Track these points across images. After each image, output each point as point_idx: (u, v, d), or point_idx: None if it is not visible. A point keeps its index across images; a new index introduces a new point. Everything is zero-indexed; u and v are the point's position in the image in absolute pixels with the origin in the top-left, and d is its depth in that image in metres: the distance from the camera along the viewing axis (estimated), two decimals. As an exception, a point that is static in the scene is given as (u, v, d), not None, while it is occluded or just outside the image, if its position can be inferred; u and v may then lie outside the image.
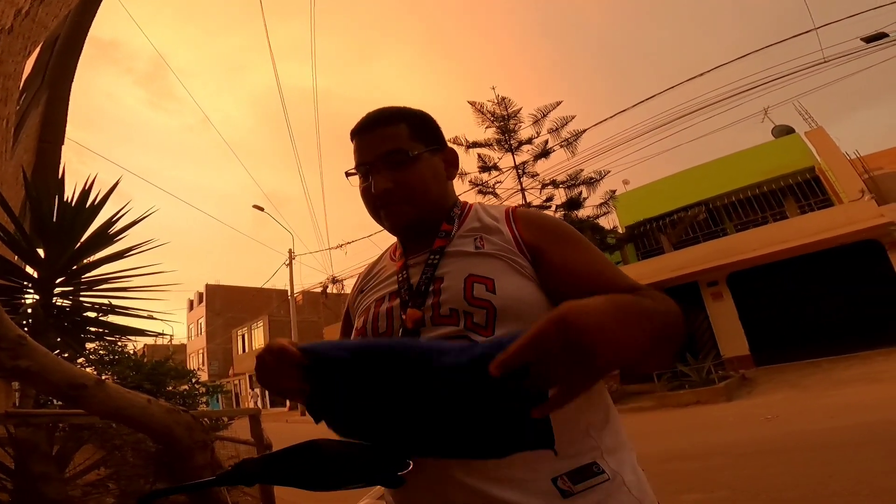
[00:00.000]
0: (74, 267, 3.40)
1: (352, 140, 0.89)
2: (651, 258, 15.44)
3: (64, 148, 5.49)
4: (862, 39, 10.95)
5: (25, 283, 3.29)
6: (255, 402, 30.12)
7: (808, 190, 14.28)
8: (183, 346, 40.92)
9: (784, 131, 16.35)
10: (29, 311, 3.15)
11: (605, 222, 14.35)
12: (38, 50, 4.10)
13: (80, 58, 5.04)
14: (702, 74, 12.09)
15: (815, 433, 4.84)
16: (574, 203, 13.99)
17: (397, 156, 0.84)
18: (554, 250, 0.78)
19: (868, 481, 3.07)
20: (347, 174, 0.91)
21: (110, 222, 3.50)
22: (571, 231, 0.82)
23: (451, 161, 0.93)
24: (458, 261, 0.81)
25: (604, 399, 0.77)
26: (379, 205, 0.86)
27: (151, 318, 3.64)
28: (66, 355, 3.37)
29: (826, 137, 14.08)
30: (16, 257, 3.44)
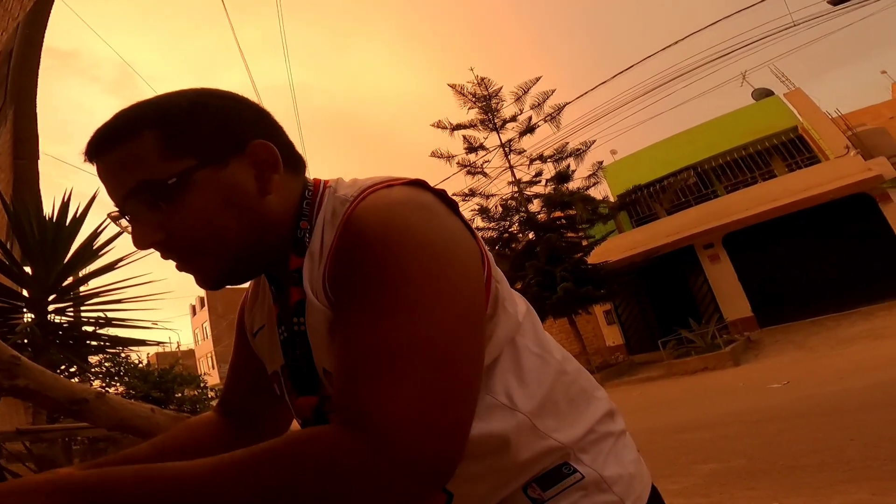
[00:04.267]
0: (65, 283, 3.35)
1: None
2: (645, 225, 15.46)
3: (41, 163, 5.36)
4: (829, 2, 11.12)
5: (18, 303, 3.24)
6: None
7: (793, 149, 14.38)
8: (191, 352, 41.11)
9: (763, 94, 16.50)
10: (27, 330, 3.10)
11: (597, 193, 14.36)
12: None
13: (41, 70, 4.89)
14: (676, 42, 12.18)
15: (828, 396, 4.84)
16: (563, 176, 13.99)
17: (147, 192, 0.52)
18: (338, 313, 0.52)
19: (884, 446, 3.07)
20: (112, 218, 0.58)
21: (95, 235, 3.43)
22: (377, 279, 0.48)
23: (263, 159, 0.57)
24: (319, 330, 0.55)
25: (563, 392, 0.61)
26: (164, 258, 0.58)
27: (152, 327, 3.59)
28: (72, 370, 3.33)
29: (805, 98, 14.25)
30: (6, 280, 3.38)
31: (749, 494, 2.92)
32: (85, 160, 0.56)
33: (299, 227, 0.59)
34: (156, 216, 0.53)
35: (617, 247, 14.46)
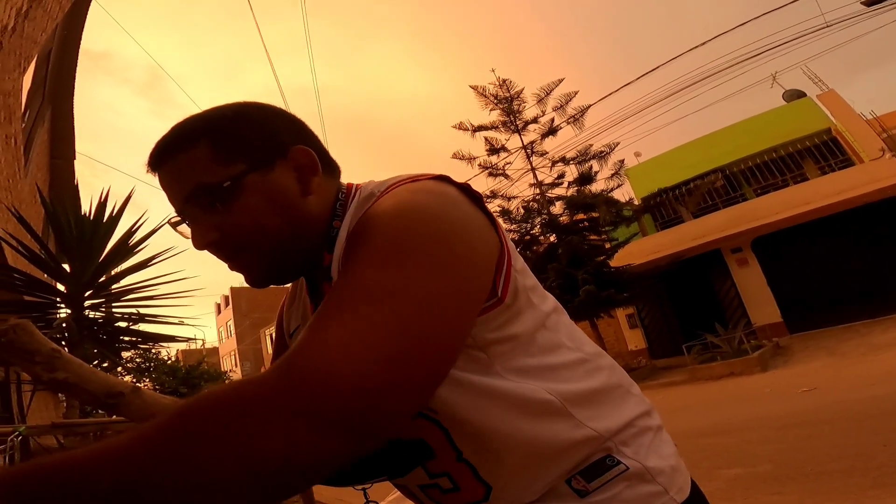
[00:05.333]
0: (101, 280, 3.46)
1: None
2: (670, 228, 15.19)
3: (76, 162, 5.57)
4: (862, 3, 10.83)
5: (56, 298, 3.36)
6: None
7: (826, 151, 13.96)
8: (215, 349, 42.09)
9: (795, 95, 16.10)
10: (63, 325, 3.21)
11: (621, 195, 14.18)
12: (32, 66, 4.14)
13: (77, 71, 5.09)
14: (703, 44, 11.87)
15: (857, 402, 4.70)
16: (586, 178, 13.86)
17: (205, 195, 0.58)
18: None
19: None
20: (172, 225, 0.64)
21: (130, 233, 3.54)
22: (373, 244, 0.49)
23: (303, 163, 0.62)
24: None
25: (600, 385, 0.62)
26: (218, 258, 0.62)
27: (182, 324, 3.68)
28: (104, 365, 3.44)
29: (839, 99, 13.85)
30: (45, 275, 3.51)
31: (774, 500, 2.86)
32: (148, 171, 0.61)
33: (332, 227, 0.63)
34: (212, 218, 0.58)
35: (641, 250, 14.24)
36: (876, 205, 11.71)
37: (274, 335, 0.82)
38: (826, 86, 15.43)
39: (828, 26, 11.31)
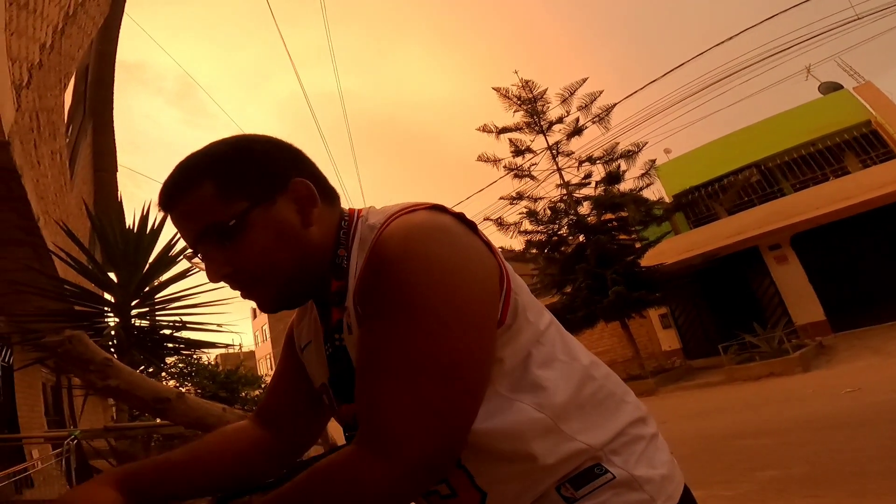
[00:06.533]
0: (145, 289, 3.63)
1: None
2: (704, 225, 14.79)
3: (118, 174, 5.81)
4: None
5: (105, 308, 3.55)
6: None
7: (867, 144, 13.33)
8: (252, 353, 43.22)
9: (832, 87, 15.49)
10: (112, 333, 3.38)
11: (651, 194, 13.89)
12: (72, 81, 4.35)
13: (114, 84, 5.29)
14: (731, 38, 11.59)
15: (902, 403, 4.51)
16: (614, 178, 13.63)
17: (213, 234, 0.62)
18: (362, 326, 0.60)
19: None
20: (187, 258, 0.71)
21: (171, 244, 3.70)
22: (393, 294, 0.55)
23: (303, 195, 0.65)
24: (354, 346, 0.64)
25: (590, 396, 0.64)
26: (232, 289, 0.68)
27: (221, 330, 3.83)
28: (150, 370, 3.61)
29: (877, 91, 13.33)
30: (93, 286, 3.72)
31: (809, 502, 2.79)
32: (159, 210, 0.66)
33: (337, 255, 0.67)
34: (222, 253, 0.62)
35: (673, 249, 13.90)
36: (923, 197, 11.15)
37: (283, 347, 0.88)
38: (862, 78, 14.89)
39: (858, 18, 10.85)
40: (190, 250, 0.67)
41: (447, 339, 0.54)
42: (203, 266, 0.65)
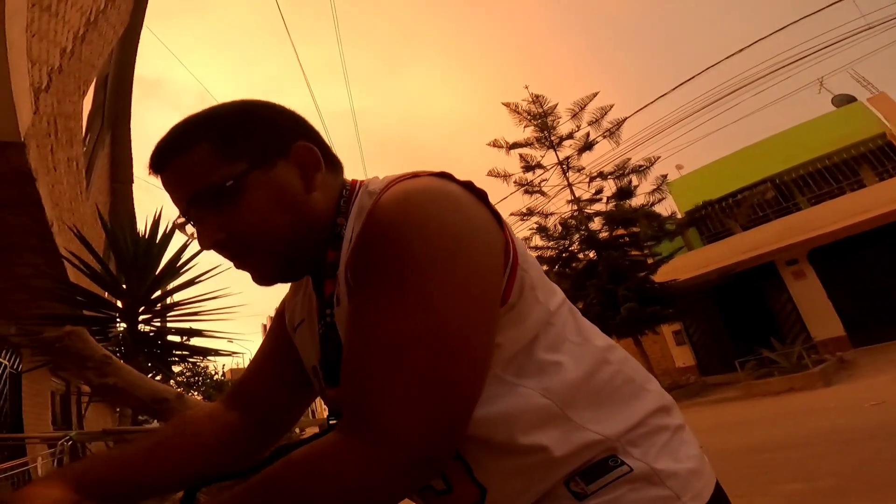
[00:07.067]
0: (154, 296, 3.65)
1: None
2: (719, 241, 14.62)
3: (134, 187, 5.91)
4: None
5: (114, 314, 3.57)
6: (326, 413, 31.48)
7: (883, 157, 13.18)
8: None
9: (845, 100, 15.27)
10: (120, 338, 3.39)
11: (663, 209, 13.79)
12: (92, 89, 4.44)
13: (133, 97, 5.40)
14: (741, 50, 11.66)
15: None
16: (625, 193, 13.58)
17: (208, 196, 0.58)
18: (352, 298, 0.55)
19: None
20: (175, 226, 0.66)
21: (180, 252, 3.73)
22: (388, 263, 0.50)
23: (306, 160, 0.62)
24: (342, 321, 0.59)
25: (606, 382, 0.58)
26: (225, 258, 0.63)
27: (228, 339, 3.83)
28: (157, 378, 3.61)
29: (892, 102, 13.18)
30: (105, 293, 3.75)
31: (839, 516, 2.67)
32: (150, 173, 0.61)
33: (336, 224, 0.63)
34: (217, 218, 0.58)
35: (686, 264, 13.75)
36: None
37: (270, 325, 0.82)
38: (876, 89, 14.67)
39: (869, 28, 10.79)
40: (180, 218, 0.62)
41: (446, 312, 0.48)
42: (193, 234, 0.61)
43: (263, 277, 0.63)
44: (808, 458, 3.83)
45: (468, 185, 0.57)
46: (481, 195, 0.57)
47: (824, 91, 16.70)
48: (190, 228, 0.62)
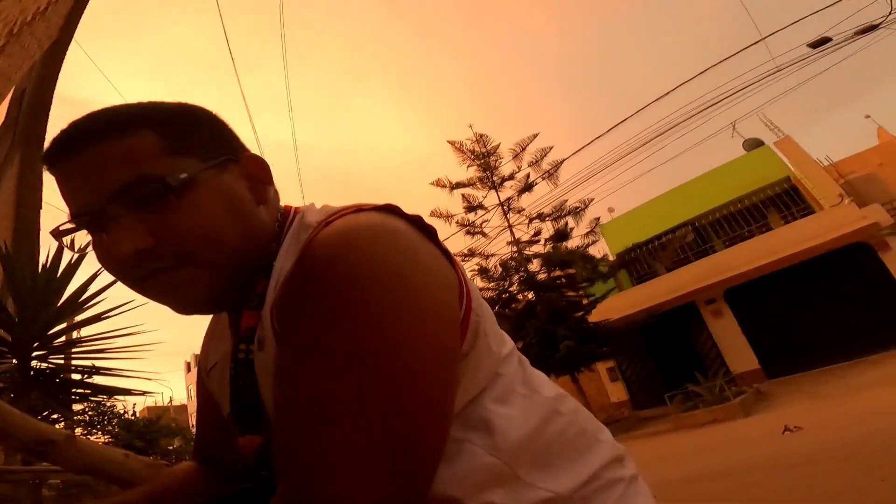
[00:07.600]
0: (52, 331, 3.32)
1: (50, 172, 0.51)
2: (645, 282, 15.44)
3: (42, 213, 5.42)
4: (808, 45, 11.36)
5: (3, 348, 3.20)
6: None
7: (788, 200, 14.57)
8: (184, 407, 40.30)
9: (754, 144, 16.64)
10: (7, 375, 3.05)
11: (596, 251, 14.46)
12: (5, 105, 4.08)
13: (52, 119, 5.02)
14: (667, 94, 12.65)
15: (849, 440, 4.64)
16: (562, 235, 14.13)
17: (145, 191, 0.48)
18: (280, 346, 0.46)
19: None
20: (58, 233, 0.53)
21: (86, 285, 3.44)
22: (325, 309, 0.42)
23: (256, 173, 0.57)
24: (268, 363, 0.50)
25: (557, 435, 0.54)
26: (137, 276, 0.51)
27: (139, 377, 3.54)
28: (55, 416, 3.26)
29: (795, 146, 14.51)
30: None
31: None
32: (51, 159, 0.50)
33: (271, 251, 0.56)
34: (148, 219, 0.48)
35: (618, 305, 14.37)
36: (840, 250, 12.16)
37: (196, 378, 0.76)
38: (782, 132, 16.00)
39: (778, 70, 11.83)
40: (67, 223, 0.50)
41: (398, 368, 0.40)
42: (91, 242, 0.50)
43: (192, 300, 0.52)
44: (744, 486, 3.95)
45: (417, 221, 0.50)
46: (430, 232, 0.50)
47: (737, 135, 18.37)
48: (79, 236, 0.51)
